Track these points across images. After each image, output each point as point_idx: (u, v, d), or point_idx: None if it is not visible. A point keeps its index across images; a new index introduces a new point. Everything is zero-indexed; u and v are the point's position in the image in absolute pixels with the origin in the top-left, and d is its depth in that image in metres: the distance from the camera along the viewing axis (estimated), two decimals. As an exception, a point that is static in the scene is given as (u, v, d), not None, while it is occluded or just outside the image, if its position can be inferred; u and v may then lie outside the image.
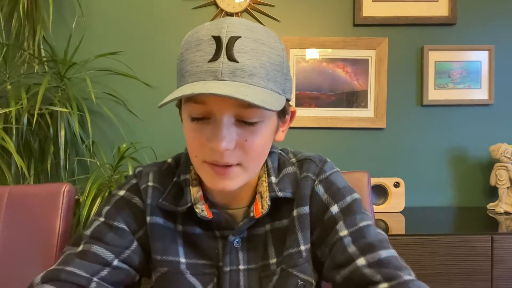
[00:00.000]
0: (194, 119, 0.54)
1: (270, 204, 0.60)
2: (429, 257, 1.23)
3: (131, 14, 1.67)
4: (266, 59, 0.52)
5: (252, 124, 0.53)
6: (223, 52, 0.50)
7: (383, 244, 0.57)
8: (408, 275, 0.53)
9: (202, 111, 0.53)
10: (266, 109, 0.48)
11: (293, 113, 0.63)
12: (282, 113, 0.60)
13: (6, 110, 1.35)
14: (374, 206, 1.53)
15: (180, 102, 0.59)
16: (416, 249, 1.23)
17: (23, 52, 1.55)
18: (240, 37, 0.51)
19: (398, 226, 1.37)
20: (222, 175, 0.54)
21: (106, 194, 1.43)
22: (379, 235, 0.59)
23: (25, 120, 1.42)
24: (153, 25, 1.67)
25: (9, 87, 1.47)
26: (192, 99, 0.52)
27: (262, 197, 0.61)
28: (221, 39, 0.50)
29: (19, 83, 1.49)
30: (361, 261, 0.55)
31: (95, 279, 0.57)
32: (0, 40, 1.53)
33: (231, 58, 0.50)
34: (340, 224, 0.59)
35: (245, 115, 0.52)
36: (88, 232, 0.61)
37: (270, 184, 0.62)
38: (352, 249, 0.57)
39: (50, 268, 0.57)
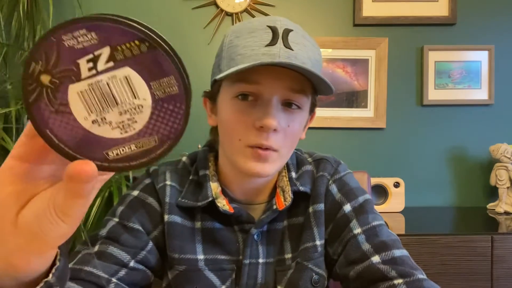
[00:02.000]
0: (239, 97, 0.55)
1: (292, 197, 0.62)
2: (429, 257, 1.23)
3: (130, 14, 1.67)
4: (312, 54, 0.56)
5: (295, 109, 0.57)
6: (280, 39, 0.54)
7: (396, 244, 0.59)
8: (422, 275, 0.55)
9: (252, 91, 0.55)
10: (323, 79, 0.52)
11: (314, 114, 0.66)
12: (311, 110, 0.63)
13: (6, 110, 1.35)
14: (374, 206, 1.53)
15: (211, 93, 0.62)
16: (416, 249, 1.23)
17: (23, 52, 1.55)
18: (292, 30, 0.55)
19: (398, 226, 1.37)
20: (263, 157, 0.56)
21: (106, 194, 1.43)
22: (392, 235, 0.61)
23: (25, 120, 1.42)
24: (153, 25, 1.66)
25: (9, 87, 1.47)
26: (244, 79, 0.55)
27: (283, 191, 0.63)
28: (277, 29, 0.54)
29: (19, 83, 1.48)
30: (375, 258, 0.57)
31: (113, 279, 0.57)
32: (0, 40, 1.53)
33: (287, 45, 0.53)
34: (354, 223, 0.61)
35: (292, 98, 0.56)
36: (103, 232, 0.61)
37: (290, 179, 0.64)
38: (366, 246, 0.58)
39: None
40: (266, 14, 1.67)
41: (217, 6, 1.67)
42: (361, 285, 0.57)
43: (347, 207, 0.63)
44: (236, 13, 1.66)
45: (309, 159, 0.69)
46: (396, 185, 1.56)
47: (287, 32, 0.54)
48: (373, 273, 0.56)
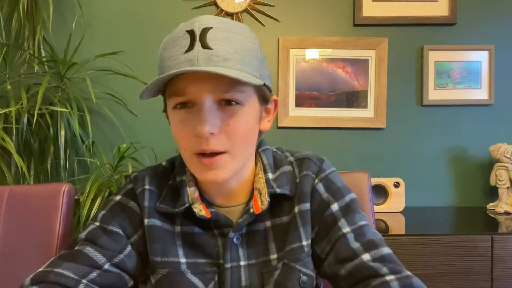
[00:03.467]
0: (177, 107, 0.56)
1: (269, 200, 0.61)
2: (429, 257, 1.23)
3: (131, 14, 1.67)
4: (239, 46, 0.54)
5: (232, 105, 0.55)
6: (197, 42, 0.53)
7: (382, 242, 0.61)
8: (407, 271, 0.57)
9: (185, 101, 0.56)
10: (241, 80, 0.51)
11: (276, 101, 0.65)
12: (264, 100, 0.62)
13: (6, 110, 1.35)
14: (374, 206, 1.52)
15: (165, 106, 0.62)
16: (416, 249, 1.23)
17: (23, 52, 1.55)
18: (212, 27, 0.53)
19: (398, 226, 1.37)
20: (210, 165, 0.56)
21: (106, 194, 1.42)
22: (377, 234, 0.62)
23: (25, 120, 1.42)
24: (153, 25, 1.67)
25: (9, 87, 1.47)
26: (174, 92, 0.55)
27: (260, 193, 0.62)
28: (194, 31, 0.53)
29: (19, 83, 1.48)
30: (366, 256, 0.58)
31: (83, 281, 0.57)
32: (0, 40, 1.53)
33: (205, 46, 0.52)
34: (342, 222, 0.62)
35: (225, 97, 0.55)
36: (82, 235, 0.62)
37: (267, 180, 0.63)
38: (355, 245, 0.59)
39: (39, 270, 0.58)
40: (266, 14, 1.67)
41: (217, 6, 1.66)
42: (352, 282, 0.58)
43: (335, 206, 0.63)
44: (236, 13, 1.66)
45: (290, 158, 0.68)
46: (396, 185, 1.56)
47: (205, 31, 0.53)
48: (364, 270, 0.57)
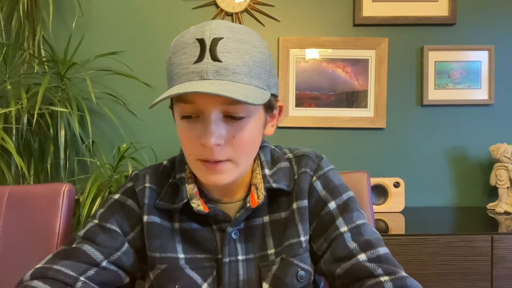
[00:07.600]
0: (184, 117, 0.57)
1: (265, 194, 0.63)
2: (429, 257, 1.23)
3: (131, 14, 1.67)
4: (248, 57, 0.54)
5: (239, 119, 0.56)
6: (207, 53, 0.53)
7: (379, 242, 0.61)
8: (404, 272, 0.58)
9: (191, 110, 0.55)
10: (248, 103, 0.51)
11: (281, 107, 0.66)
12: (269, 108, 0.62)
13: (6, 110, 1.35)
14: (374, 206, 1.53)
15: (172, 104, 0.62)
16: (416, 249, 1.23)
17: (23, 52, 1.55)
18: (222, 38, 0.53)
19: (398, 226, 1.37)
20: (213, 169, 0.57)
21: (106, 194, 1.42)
22: (375, 233, 0.63)
23: (25, 120, 1.42)
24: (153, 25, 1.67)
25: (9, 87, 1.47)
26: (181, 99, 0.55)
27: (257, 188, 0.64)
28: (205, 41, 0.53)
29: (19, 83, 1.49)
30: (362, 257, 0.59)
31: (81, 278, 0.58)
32: (0, 40, 1.53)
33: (214, 58, 0.52)
34: (340, 220, 0.62)
35: (231, 111, 0.55)
36: (81, 233, 0.64)
37: (264, 176, 0.65)
38: (352, 245, 0.60)
39: (38, 266, 0.60)
40: (266, 14, 1.67)
41: (217, 6, 1.66)
42: (348, 281, 0.59)
43: (332, 205, 0.64)
44: (236, 13, 1.66)
45: (289, 155, 0.69)
46: (396, 185, 1.56)
47: (215, 42, 0.53)
48: (360, 270, 0.58)
